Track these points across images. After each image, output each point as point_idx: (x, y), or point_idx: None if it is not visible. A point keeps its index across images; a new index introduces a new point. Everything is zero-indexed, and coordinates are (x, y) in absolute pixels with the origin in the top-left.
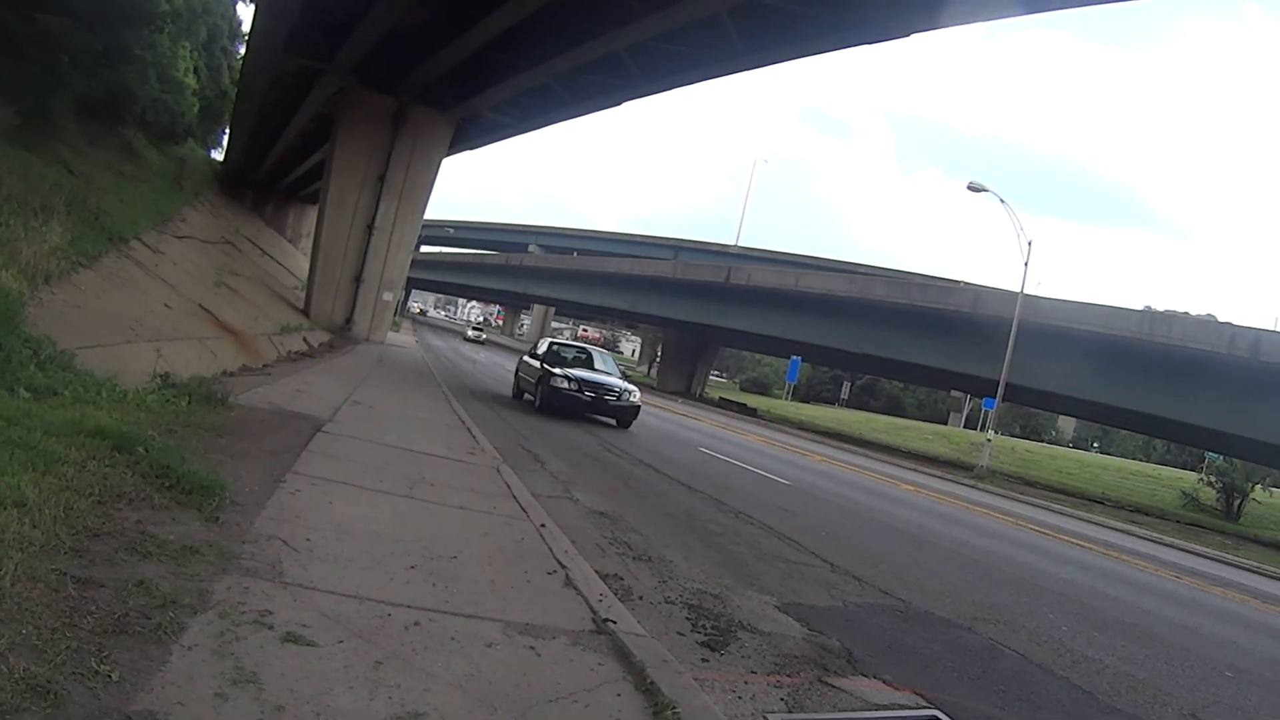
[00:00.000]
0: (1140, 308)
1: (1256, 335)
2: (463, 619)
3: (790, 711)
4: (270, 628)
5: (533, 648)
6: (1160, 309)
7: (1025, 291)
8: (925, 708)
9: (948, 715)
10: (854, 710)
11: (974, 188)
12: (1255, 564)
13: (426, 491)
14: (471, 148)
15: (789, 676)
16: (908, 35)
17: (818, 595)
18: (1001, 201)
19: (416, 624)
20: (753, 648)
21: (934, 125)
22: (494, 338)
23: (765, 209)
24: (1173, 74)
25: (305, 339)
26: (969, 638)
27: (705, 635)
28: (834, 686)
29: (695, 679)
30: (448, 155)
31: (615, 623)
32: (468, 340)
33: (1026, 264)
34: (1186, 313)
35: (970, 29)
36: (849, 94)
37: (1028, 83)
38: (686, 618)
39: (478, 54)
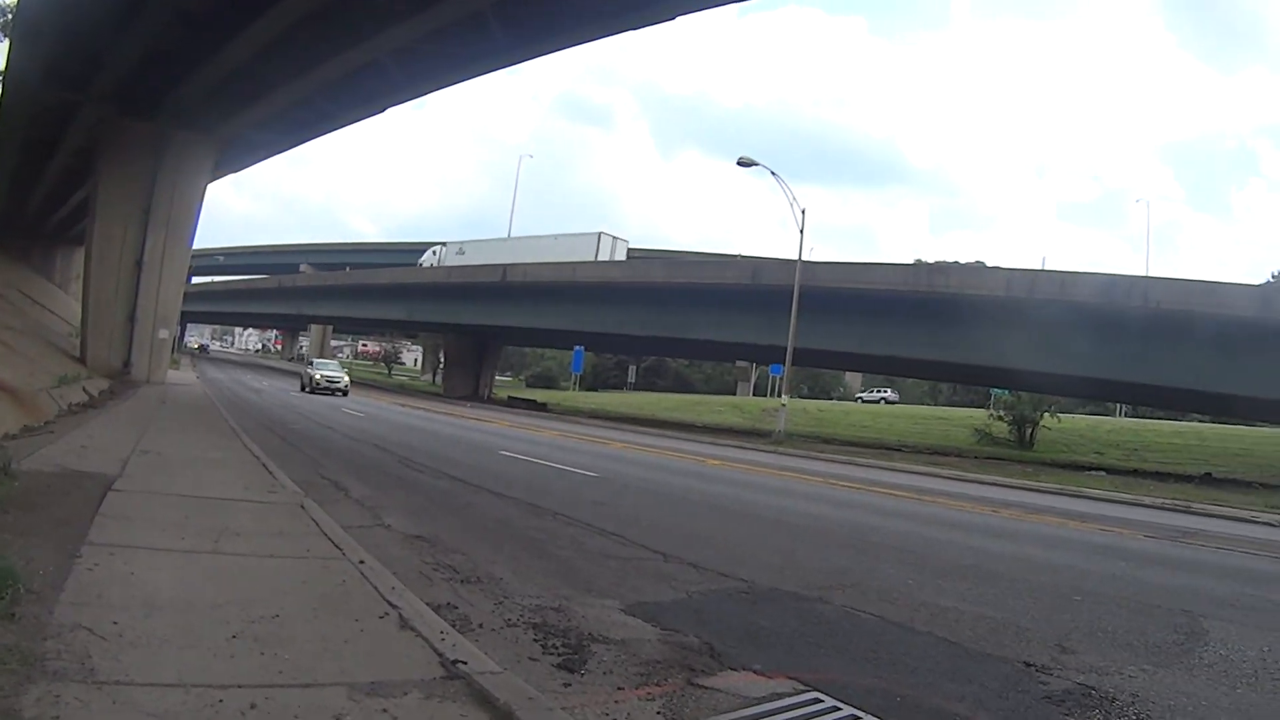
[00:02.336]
0: (908, 262)
1: (1032, 276)
2: (301, 690)
3: None
4: None
5: (386, 710)
6: (931, 261)
7: (803, 259)
8: (804, 691)
9: (827, 695)
10: (735, 710)
11: (744, 162)
12: (1058, 486)
13: (233, 543)
14: (236, 170)
15: (658, 685)
16: (673, 18)
17: (659, 590)
18: (772, 173)
19: (253, 707)
20: (611, 660)
21: (690, 106)
22: (274, 363)
23: (533, 203)
24: (921, 37)
25: (85, 388)
26: (822, 609)
27: (559, 656)
28: (706, 687)
29: (564, 709)
30: (212, 180)
31: (466, 663)
32: (317, 391)
33: (802, 231)
34: (956, 262)
35: (721, 10)
36: (603, 81)
37: (782, 57)
38: (534, 639)
39: (237, 71)
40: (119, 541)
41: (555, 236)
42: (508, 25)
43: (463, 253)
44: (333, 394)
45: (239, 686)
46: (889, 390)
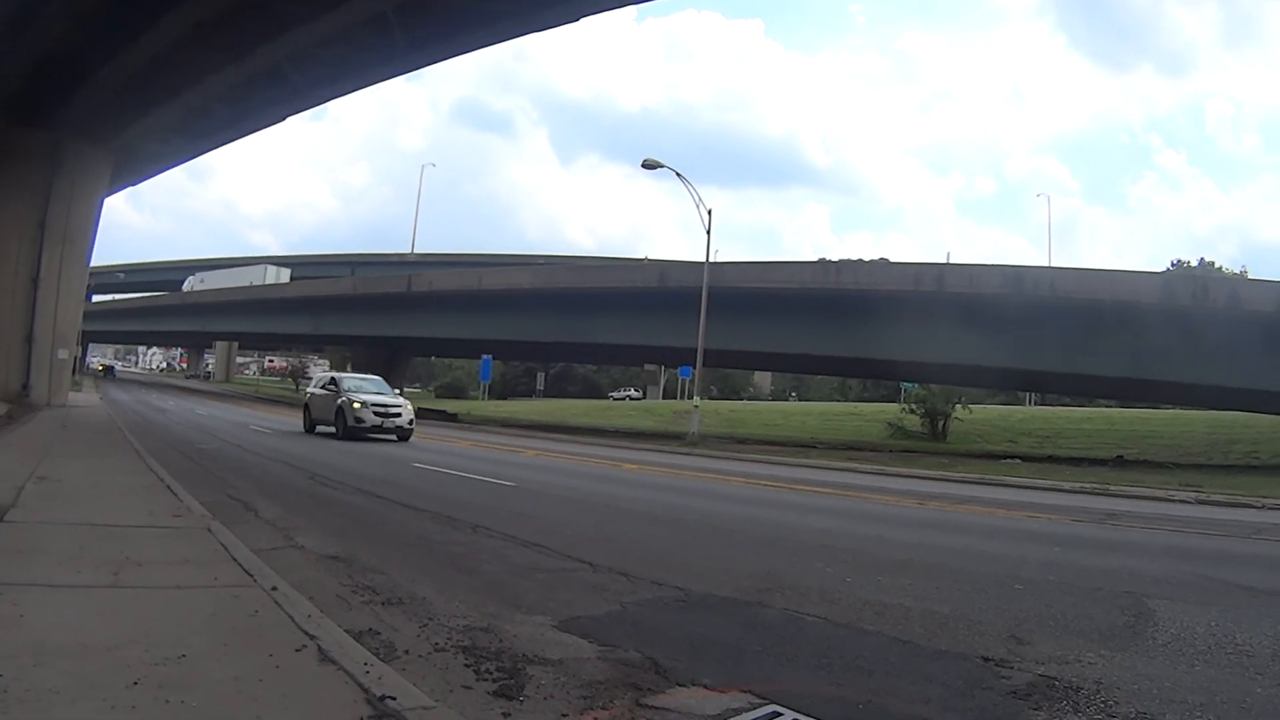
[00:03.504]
0: (815, 260)
1: (940, 270)
2: None
3: None
4: None
5: None
6: (834, 260)
7: (711, 260)
8: (760, 704)
9: (786, 707)
10: None
11: (649, 164)
12: (977, 476)
13: (134, 574)
14: (135, 182)
15: (604, 709)
16: (576, 20)
17: (592, 603)
18: (678, 175)
19: None
20: (551, 684)
21: (589, 112)
22: (179, 382)
23: (435, 212)
24: (818, 39)
25: None
26: (764, 613)
27: (495, 682)
28: (656, 708)
29: None
30: (110, 193)
31: (395, 698)
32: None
33: (709, 232)
34: (860, 259)
35: (618, 14)
36: (502, 88)
37: (680, 61)
38: (466, 664)
39: (134, 78)
40: (7, 579)
41: (231, 269)
42: (408, 29)
43: (203, 280)
44: (387, 436)
45: None
46: (632, 389)
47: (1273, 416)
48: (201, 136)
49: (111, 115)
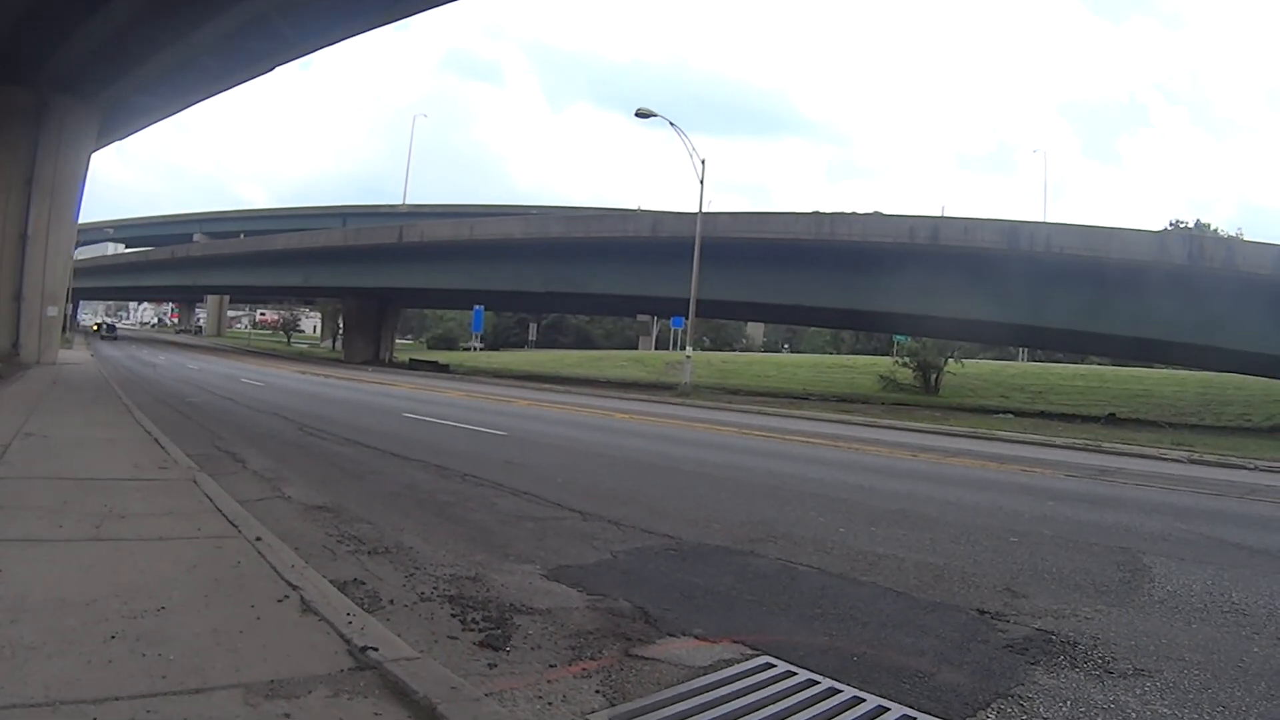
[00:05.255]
0: (809, 211)
1: (935, 224)
2: (190, 697)
3: (613, 705)
4: None
5: (288, 715)
6: (827, 211)
7: (704, 210)
8: (753, 655)
9: (779, 658)
10: (681, 682)
11: (642, 113)
12: (970, 430)
13: (117, 527)
14: (121, 137)
15: (593, 660)
16: None
17: (581, 552)
18: (671, 124)
19: None
20: (539, 634)
21: (579, 58)
22: (170, 337)
23: (425, 163)
24: None
25: None
26: (756, 562)
27: (481, 632)
28: (646, 658)
29: (491, 695)
30: (97, 148)
31: (377, 649)
32: None
33: (702, 182)
34: (855, 211)
35: None
36: (487, 37)
37: (672, 10)
38: (452, 614)
39: (119, 31)
40: None
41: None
42: None
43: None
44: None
45: (116, 699)
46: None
47: (1265, 380)
48: (189, 90)
49: (97, 70)
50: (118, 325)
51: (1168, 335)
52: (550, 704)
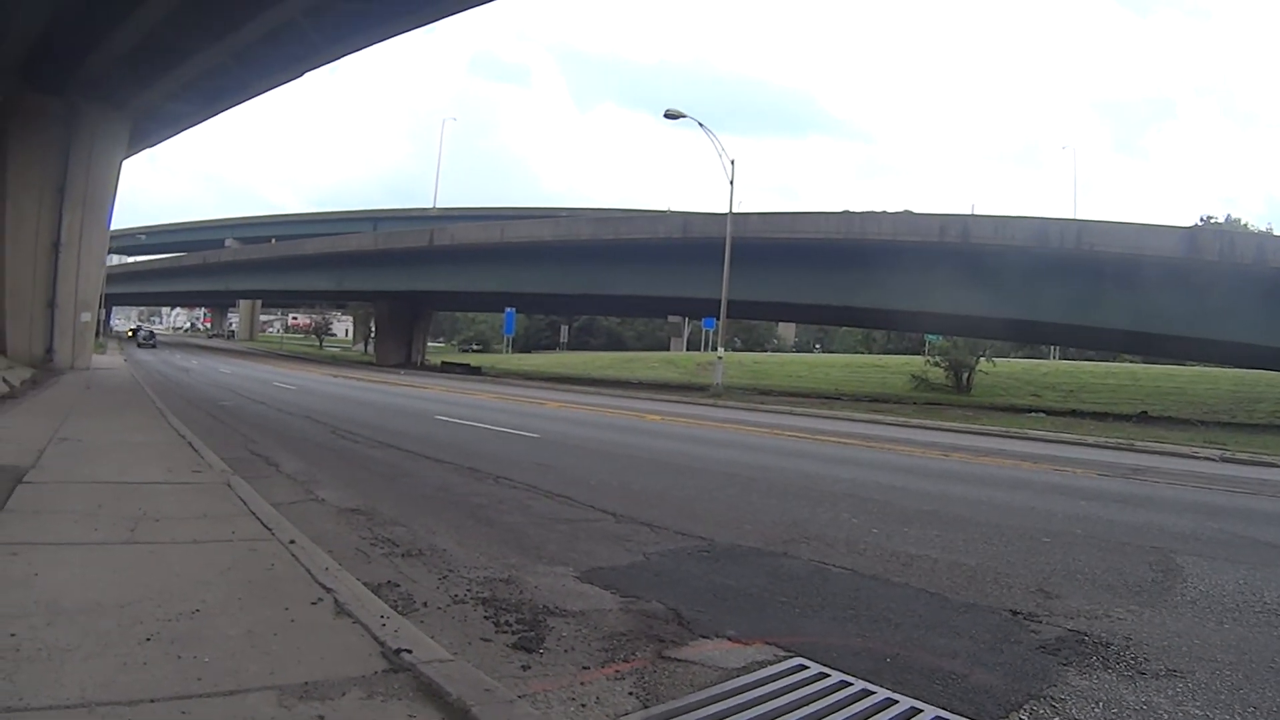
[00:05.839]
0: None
1: (965, 222)
2: (224, 699)
3: (646, 707)
4: None
5: (322, 717)
6: (858, 210)
7: (734, 210)
8: (786, 657)
9: (811, 659)
10: (714, 684)
11: (671, 114)
12: (1001, 429)
13: (151, 530)
14: (153, 144)
15: (626, 662)
16: None
17: (615, 554)
18: (701, 125)
19: None
20: (572, 636)
21: (605, 60)
22: (202, 341)
23: (453, 166)
24: None
25: (5, 379)
26: (790, 564)
27: (514, 635)
28: (679, 660)
29: (524, 697)
30: (128, 155)
31: (410, 651)
32: None
33: (732, 182)
34: (884, 210)
35: None
36: (514, 40)
37: (694, 8)
38: (485, 616)
39: (149, 38)
40: (23, 539)
41: None
42: None
43: None
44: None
45: (151, 701)
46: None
47: None
48: (219, 96)
49: (127, 78)
50: (153, 331)
51: (1199, 332)
52: (584, 706)
